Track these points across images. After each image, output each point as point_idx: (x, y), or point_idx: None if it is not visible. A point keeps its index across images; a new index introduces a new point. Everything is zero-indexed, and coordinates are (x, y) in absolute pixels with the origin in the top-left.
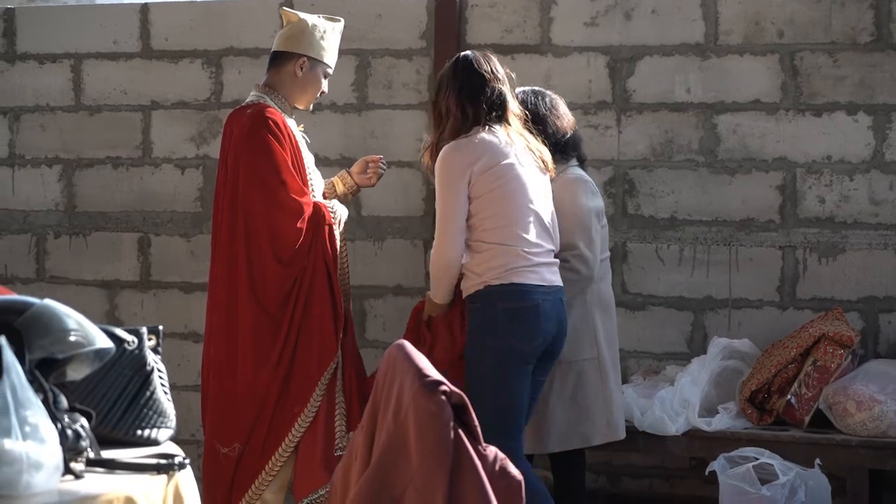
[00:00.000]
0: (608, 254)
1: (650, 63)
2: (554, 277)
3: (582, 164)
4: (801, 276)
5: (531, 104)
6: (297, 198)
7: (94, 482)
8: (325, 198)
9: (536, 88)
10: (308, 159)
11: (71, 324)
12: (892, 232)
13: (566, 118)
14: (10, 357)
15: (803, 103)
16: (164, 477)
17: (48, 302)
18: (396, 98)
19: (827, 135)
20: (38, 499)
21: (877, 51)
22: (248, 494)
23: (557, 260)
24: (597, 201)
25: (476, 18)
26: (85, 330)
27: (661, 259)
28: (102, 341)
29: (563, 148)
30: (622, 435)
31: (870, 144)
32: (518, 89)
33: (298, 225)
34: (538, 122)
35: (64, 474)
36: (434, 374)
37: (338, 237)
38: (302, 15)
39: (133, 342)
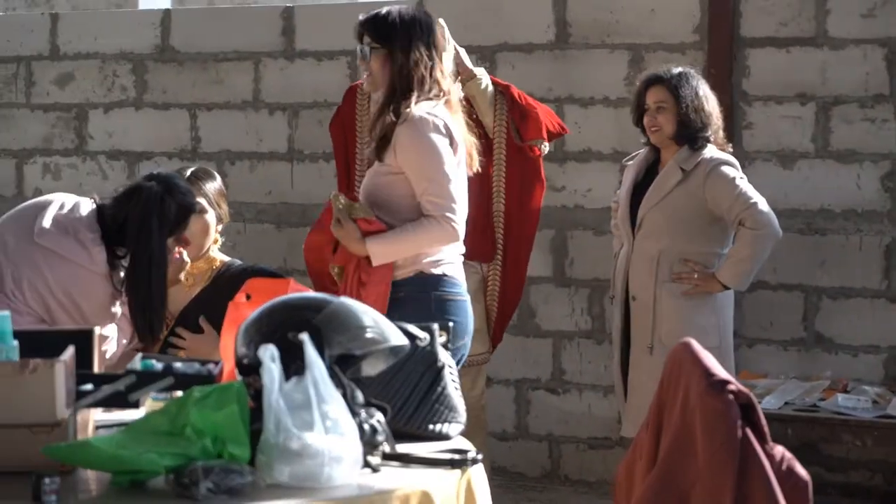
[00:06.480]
0: None
1: None
2: None
3: None
4: None
5: None
6: None
7: (391, 476)
8: None
9: None
10: None
11: (367, 321)
12: None
13: None
14: (312, 353)
15: None
16: (457, 472)
17: (345, 299)
18: None
19: None
20: (338, 491)
21: None
22: None
23: None
24: None
25: (750, 11)
26: (380, 327)
27: None
28: (397, 338)
29: None
30: None
31: None
32: None
33: None
34: None
35: (362, 468)
36: (721, 373)
37: None
38: None
39: (425, 339)
